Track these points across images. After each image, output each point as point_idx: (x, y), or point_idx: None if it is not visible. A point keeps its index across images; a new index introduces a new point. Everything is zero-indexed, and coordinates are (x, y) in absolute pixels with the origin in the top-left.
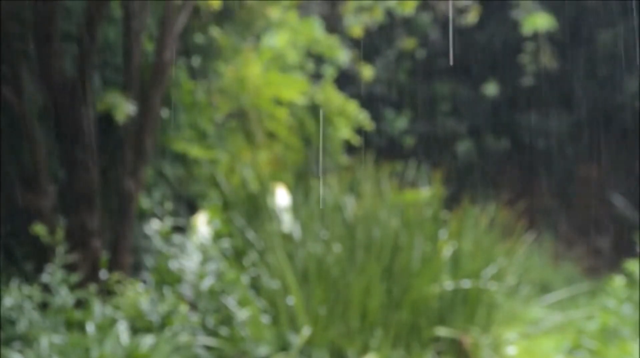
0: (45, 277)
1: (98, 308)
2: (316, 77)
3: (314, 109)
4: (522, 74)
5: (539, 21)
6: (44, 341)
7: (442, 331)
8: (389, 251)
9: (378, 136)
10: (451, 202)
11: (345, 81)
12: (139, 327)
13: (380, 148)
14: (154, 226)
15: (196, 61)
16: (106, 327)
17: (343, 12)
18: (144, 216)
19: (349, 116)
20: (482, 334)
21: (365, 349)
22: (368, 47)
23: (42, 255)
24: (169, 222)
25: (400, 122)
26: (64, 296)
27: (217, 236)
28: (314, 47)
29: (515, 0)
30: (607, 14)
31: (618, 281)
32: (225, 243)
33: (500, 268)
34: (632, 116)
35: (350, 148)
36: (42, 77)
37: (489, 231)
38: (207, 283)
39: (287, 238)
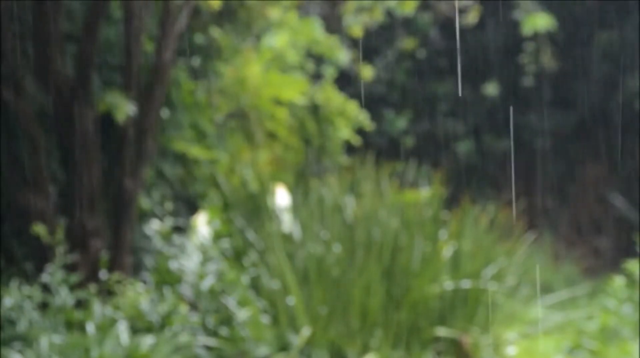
0: (45, 277)
1: (98, 308)
2: (316, 77)
3: (314, 109)
4: (522, 74)
5: (539, 21)
6: (44, 341)
7: (442, 331)
8: (389, 252)
9: (378, 136)
10: (451, 202)
11: (345, 81)
12: (139, 327)
13: (380, 148)
14: (154, 226)
15: (196, 61)
16: (106, 327)
17: (343, 12)
18: (144, 216)
19: (349, 116)
20: (482, 334)
21: (365, 349)
22: (368, 47)
23: (42, 255)
24: (169, 222)
25: (400, 123)
26: (64, 297)
27: (217, 236)
28: (314, 47)
29: (515, 0)
30: (607, 14)
31: (618, 281)
32: (225, 243)
33: (500, 268)
34: (632, 116)
35: (350, 148)
36: (42, 77)
37: (489, 231)
38: (207, 283)
39: (287, 238)
